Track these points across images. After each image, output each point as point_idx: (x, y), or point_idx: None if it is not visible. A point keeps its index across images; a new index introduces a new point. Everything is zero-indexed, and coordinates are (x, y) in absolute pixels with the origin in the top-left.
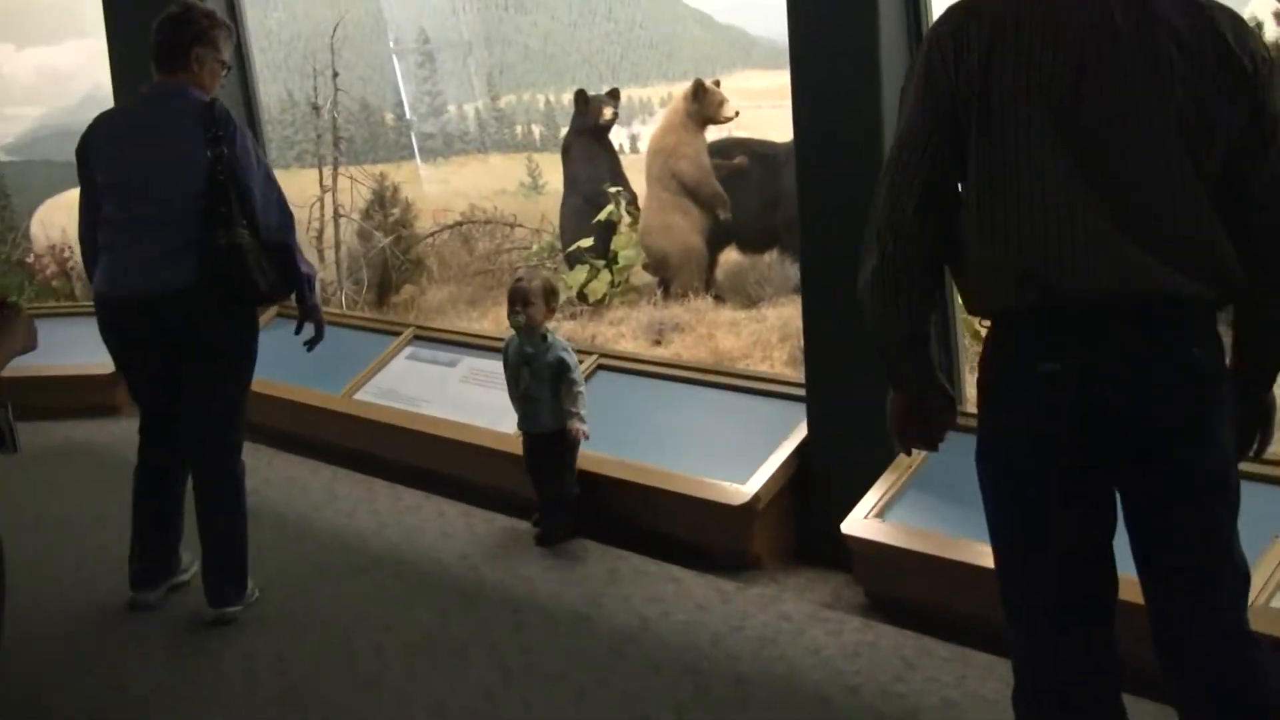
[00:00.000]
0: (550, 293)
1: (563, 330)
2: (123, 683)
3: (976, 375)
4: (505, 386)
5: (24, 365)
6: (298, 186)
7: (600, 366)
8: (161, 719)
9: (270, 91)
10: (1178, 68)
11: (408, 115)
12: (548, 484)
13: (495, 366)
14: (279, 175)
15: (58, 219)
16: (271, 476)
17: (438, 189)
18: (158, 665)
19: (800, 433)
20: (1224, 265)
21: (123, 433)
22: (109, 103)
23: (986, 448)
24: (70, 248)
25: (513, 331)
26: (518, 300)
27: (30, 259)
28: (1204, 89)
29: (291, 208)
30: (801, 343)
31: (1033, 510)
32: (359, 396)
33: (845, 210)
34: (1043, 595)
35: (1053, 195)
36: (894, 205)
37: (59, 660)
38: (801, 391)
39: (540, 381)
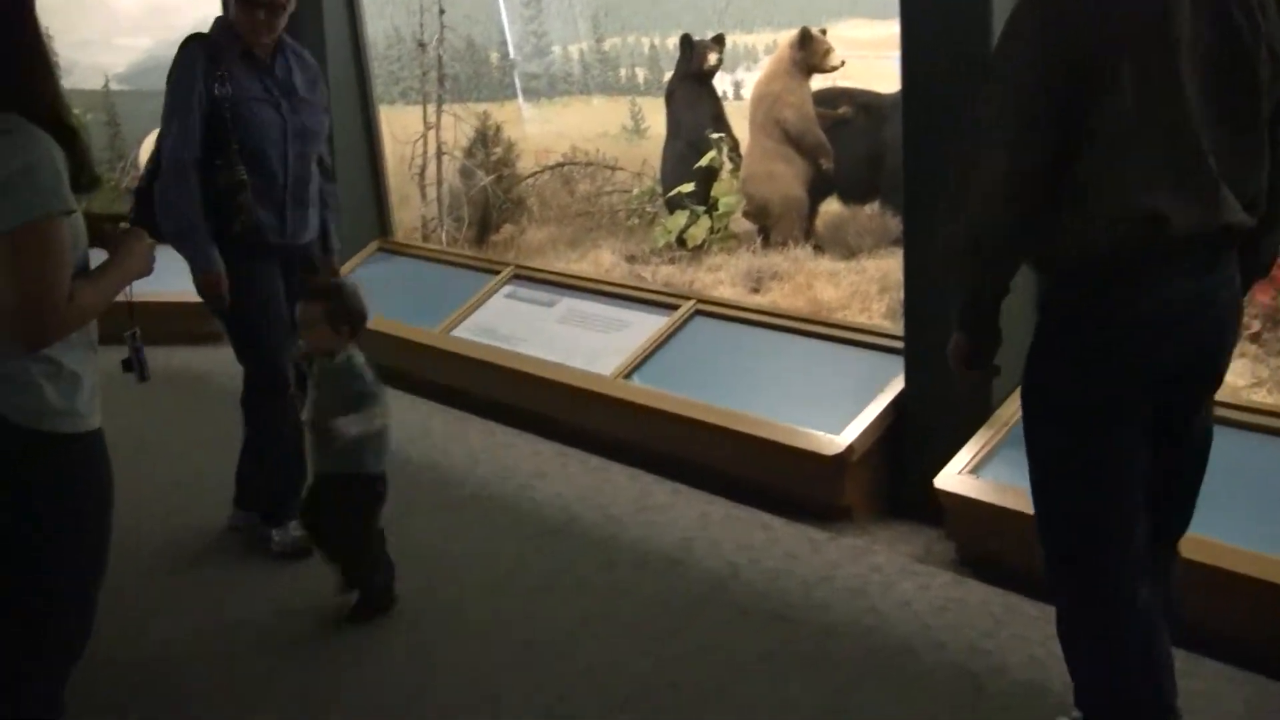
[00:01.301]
0: (339, 314)
1: (660, 275)
2: (219, 610)
3: (1044, 322)
4: (604, 327)
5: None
6: (401, 123)
7: (698, 312)
8: (253, 647)
9: (377, 27)
10: (1268, 21)
11: (512, 55)
12: (333, 540)
13: (594, 308)
14: (383, 111)
15: None
16: None
17: (540, 129)
18: (253, 593)
19: (896, 386)
20: (1263, 198)
21: (225, 359)
22: None
23: (1073, 387)
24: None
25: None
26: (301, 323)
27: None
28: (1275, 41)
29: (391, 144)
30: (901, 295)
31: (1123, 444)
32: (457, 333)
33: (950, 163)
34: (1122, 524)
35: (1183, 140)
36: (1020, 157)
37: (159, 584)
38: (899, 344)
39: (324, 413)
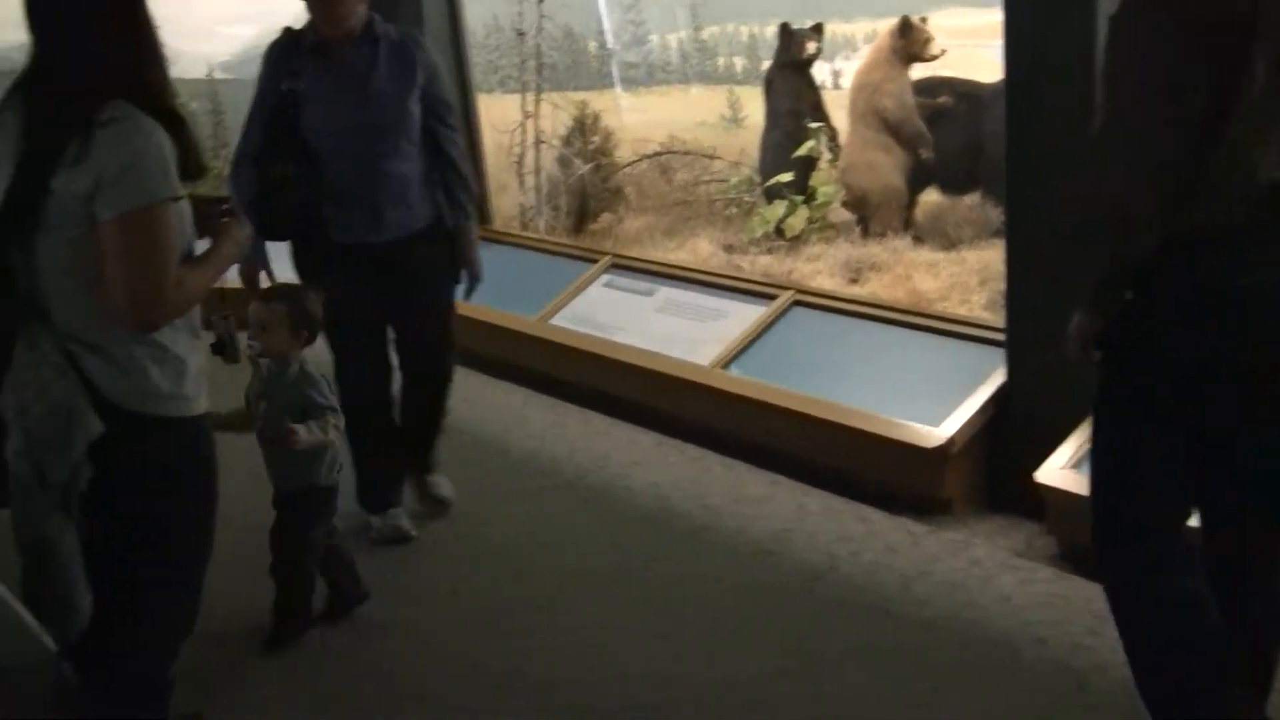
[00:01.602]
0: (301, 318)
1: (758, 265)
2: (319, 595)
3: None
4: (702, 317)
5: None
6: (499, 111)
7: (796, 303)
8: (369, 626)
9: (475, 15)
10: None
11: (610, 44)
12: (280, 559)
13: (692, 297)
14: (481, 99)
15: None
16: (467, 396)
17: (637, 118)
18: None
19: (998, 378)
20: None
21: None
22: None
23: (1147, 367)
24: None
25: None
26: (255, 323)
27: None
28: None
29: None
30: (1003, 286)
31: (1189, 426)
32: (554, 321)
33: (1054, 153)
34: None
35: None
36: (1163, 137)
37: (260, 565)
38: (1001, 336)
39: (276, 421)
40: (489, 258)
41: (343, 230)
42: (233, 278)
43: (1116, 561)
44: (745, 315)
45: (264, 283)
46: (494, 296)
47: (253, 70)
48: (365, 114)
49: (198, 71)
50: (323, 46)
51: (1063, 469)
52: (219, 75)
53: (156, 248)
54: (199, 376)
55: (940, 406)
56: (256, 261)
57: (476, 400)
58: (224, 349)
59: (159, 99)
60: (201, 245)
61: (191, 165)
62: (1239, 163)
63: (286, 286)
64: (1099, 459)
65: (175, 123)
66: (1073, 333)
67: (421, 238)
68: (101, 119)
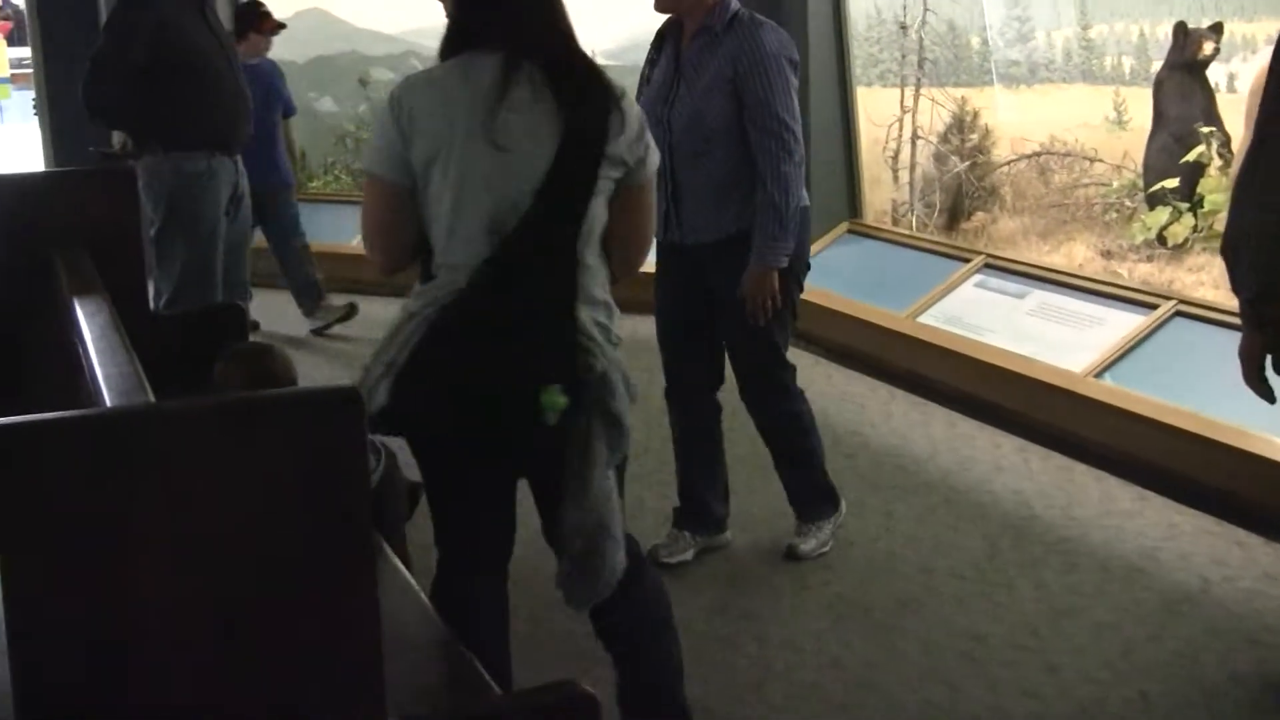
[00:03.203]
0: (260, 381)
1: (1138, 273)
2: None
3: None
4: (1076, 323)
5: None
6: (876, 105)
7: (1178, 314)
8: (715, 613)
9: (859, 9)
10: None
11: (993, 40)
12: None
13: (1066, 302)
14: (860, 92)
15: None
16: (829, 390)
17: (1017, 117)
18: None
19: None
20: None
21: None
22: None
23: None
24: None
25: None
26: (219, 383)
27: None
28: None
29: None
30: None
31: None
32: (923, 319)
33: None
34: None
35: None
36: None
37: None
38: None
39: None
40: (859, 251)
41: (663, 229)
42: None
43: None
44: (1122, 323)
45: None
46: (863, 291)
47: (631, 58)
48: (674, 112)
49: None
50: (676, 31)
51: None
52: (603, 62)
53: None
54: None
55: None
56: None
57: (841, 394)
58: None
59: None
60: None
61: None
62: None
63: (251, 346)
64: None
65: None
66: (1241, 354)
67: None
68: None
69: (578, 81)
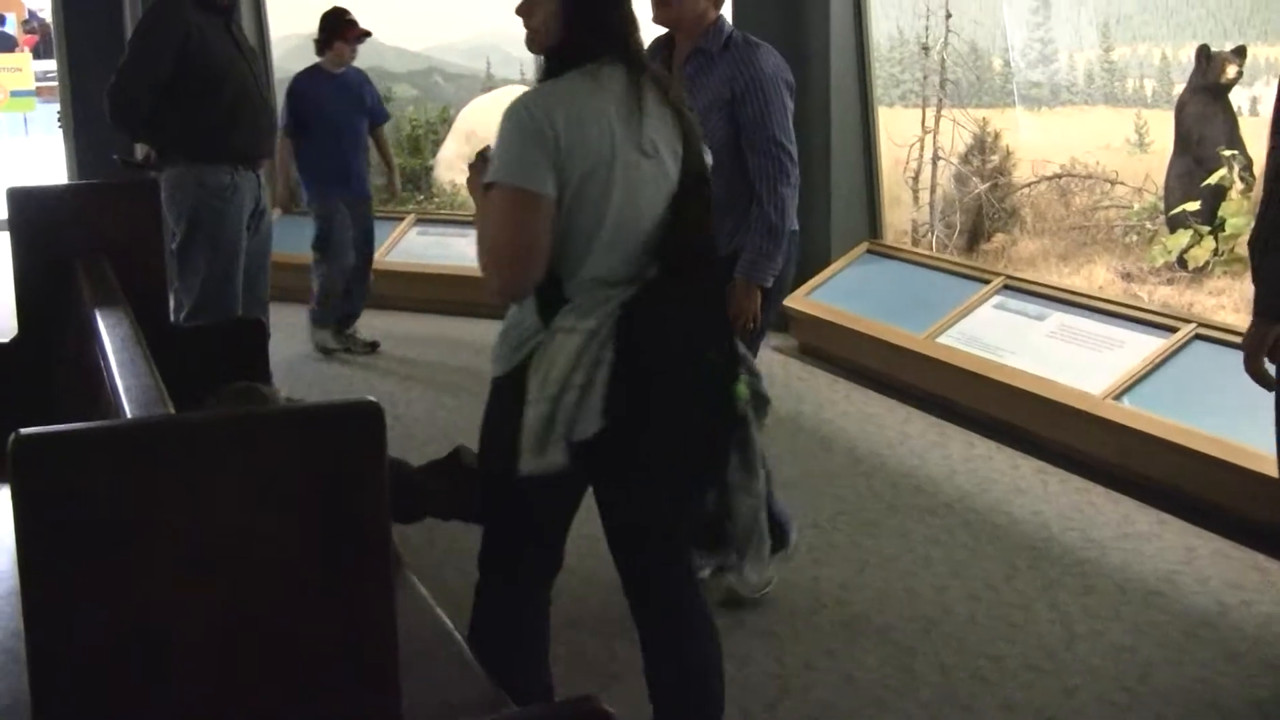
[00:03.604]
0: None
1: (1157, 295)
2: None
3: None
4: (1095, 345)
5: None
6: (897, 125)
7: (1197, 337)
8: (730, 630)
9: (881, 29)
10: None
11: (1014, 61)
12: None
13: (1085, 324)
14: (881, 112)
15: None
16: (848, 410)
17: (1038, 138)
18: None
19: None
20: None
21: None
22: None
23: None
24: None
25: None
26: None
27: None
28: None
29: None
30: None
31: None
32: (942, 340)
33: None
34: None
35: None
36: None
37: None
38: None
39: None
40: (879, 271)
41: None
42: None
43: None
44: (1142, 346)
45: None
46: (882, 311)
47: None
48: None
49: None
50: (659, 53)
51: None
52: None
53: None
54: None
55: None
56: None
57: (859, 414)
58: None
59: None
60: None
61: None
62: None
63: (241, 386)
64: None
65: None
66: (1258, 346)
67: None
68: None
69: (676, 90)
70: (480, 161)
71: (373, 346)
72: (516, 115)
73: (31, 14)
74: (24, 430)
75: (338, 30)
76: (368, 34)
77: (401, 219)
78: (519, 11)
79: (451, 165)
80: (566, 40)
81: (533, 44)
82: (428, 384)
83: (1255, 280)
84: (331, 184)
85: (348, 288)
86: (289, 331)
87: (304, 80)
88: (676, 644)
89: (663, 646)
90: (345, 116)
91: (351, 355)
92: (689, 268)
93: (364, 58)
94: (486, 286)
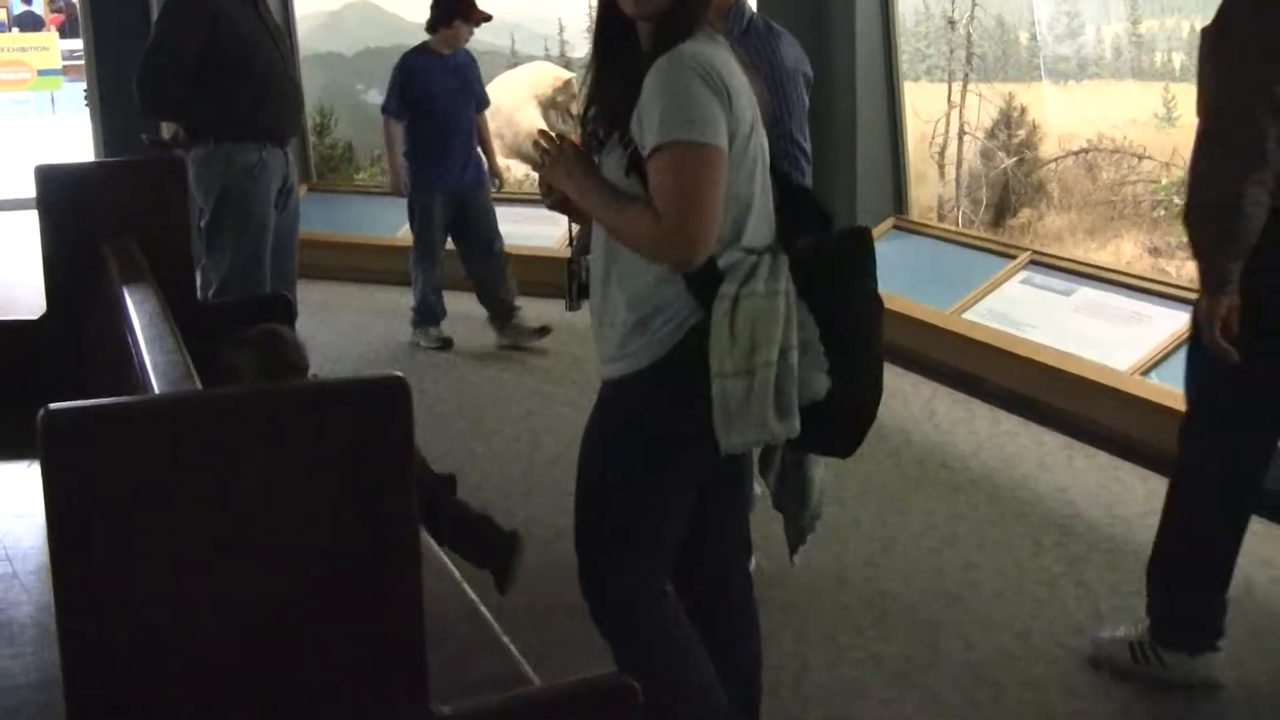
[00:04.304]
0: (282, 369)
1: (1185, 270)
2: None
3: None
4: (1123, 320)
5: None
6: (923, 100)
7: None
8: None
9: (907, 3)
10: None
11: (1040, 35)
12: None
13: (1113, 299)
14: (907, 87)
15: None
16: None
17: (1065, 113)
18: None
19: None
20: None
21: None
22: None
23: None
24: None
25: None
26: (226, 372)
27: None
28: None
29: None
30: None
31: None
32: (968, 316)
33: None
34: None
35: None
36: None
37: None
38: None
39: None
40: (905, 247)
41: None
42: None
43: None
44: (1169, 321)
45: None
46: (907, 287)
47: None
48: None
49: None
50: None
51: None
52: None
53: None
54: None
55: None
56: None
57: (885, 389)
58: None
59: None
60: None
61: None
62: None
63: (260, 331)
64: None
65: None
66: (1210, 318)
67: None
68: None
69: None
70: (556, 148)
71: (544, 331)
72: (687, 73)
73: None
74: (53, 405)
75: (459, 9)
76: (488, 17)
77: None
78: None
79: None
80: (675, 12)
81: (641, 7)
82: (454, 361)
83: (1196, 255)
84: (433, 172)
85: (488, 278)
86: (315, 310)
87: (415, 58)
88: (748, 634)
89: (735, 638)
90: (453, 100)
91: (522, 349)
92: (817, 227)
93: (387, 36)
94: (657, 254)
